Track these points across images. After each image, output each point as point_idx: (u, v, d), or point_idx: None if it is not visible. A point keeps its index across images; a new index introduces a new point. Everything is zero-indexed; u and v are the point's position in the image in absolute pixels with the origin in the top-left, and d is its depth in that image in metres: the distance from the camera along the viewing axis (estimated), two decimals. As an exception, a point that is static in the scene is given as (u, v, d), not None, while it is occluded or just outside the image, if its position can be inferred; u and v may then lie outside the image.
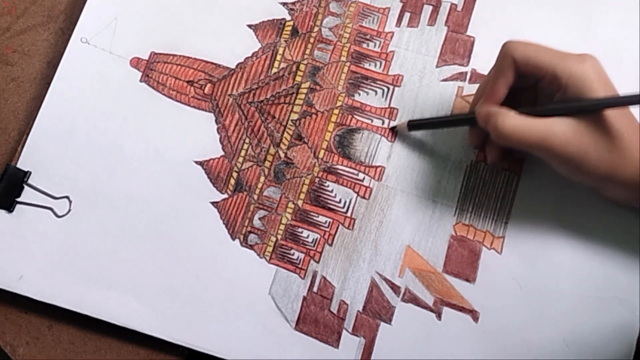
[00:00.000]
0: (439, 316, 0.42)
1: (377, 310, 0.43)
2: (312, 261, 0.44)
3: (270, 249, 0.44)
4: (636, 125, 0.36)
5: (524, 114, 0.37)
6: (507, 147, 0.39)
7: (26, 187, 0.46)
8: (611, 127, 0.35)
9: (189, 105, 0.47)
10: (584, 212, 0.42)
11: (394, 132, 0.45)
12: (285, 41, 0.48)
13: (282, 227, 0.45)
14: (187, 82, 0.48)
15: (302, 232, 0.45)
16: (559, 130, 0.36)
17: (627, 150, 0.35)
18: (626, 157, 0.35)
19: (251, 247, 0.45)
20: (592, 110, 0.35)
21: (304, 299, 0.43)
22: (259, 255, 0.44)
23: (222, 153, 0.46)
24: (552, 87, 0.37)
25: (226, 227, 0.45)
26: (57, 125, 0.47)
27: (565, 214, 0.42)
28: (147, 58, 0.49)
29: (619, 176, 0.36)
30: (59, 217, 0.46)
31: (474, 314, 0.42)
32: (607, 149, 0.35)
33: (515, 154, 0.43)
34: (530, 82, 0.38)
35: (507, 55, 0.38)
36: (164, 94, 0.48)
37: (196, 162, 0.46)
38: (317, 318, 0.43)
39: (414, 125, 0.44)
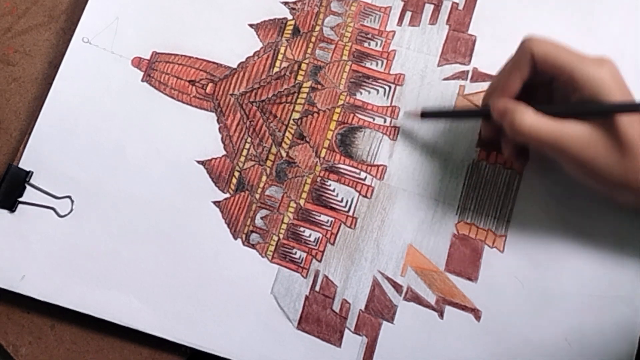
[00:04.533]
0: (441, 315, 0.42)
1: (379, 309, 0.43)
2: (314, 260, 0.44)
3: (272, 248, 0.44)
4: None
5: (540, 112, 0.37)
6: (521, 143, 0.39)
7: (28, 187, 0.46)
8: (625, 134, 0.35)
9: (191, 104, 0.47)
10: (585, 211, 0.42)
11: (405, 116, 0.45)
12: (286, 40, 0.48)
13: (284, 226, 0.45)
14: (189, 81, 0.48)
15: (304, 231, 0.45)
16: (574, 133, 0.35)
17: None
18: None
19: (253, 246, 0.45)
20: (607, 113, 0.35)
21: (306, 298, 0.43)
22: (261, 254, 0.44)
23: (224, 152, 0.46)
24: (567, 88, 0.37)
25: (228, 226, 0.45)
26: (59, 125, 0.47)
27: (567, 213, 0.42)
28: (148, 58, 0.49)
29: (632, 183, 0.35)
30: (61, 216, 0.46)
31: (476, 313, 0.42)
32: (620, 156, 0.35)
33: (524, 153, 0.43)
34: (545, 79, 0.38)
35: (525, 51, 0.37)
36: (165, 94, 0.48)
37: (198, 162, 0.46)
38: (320, 317, 0.43)
39: (426, 114, 0.44)
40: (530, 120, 0.36)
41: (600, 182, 0.37)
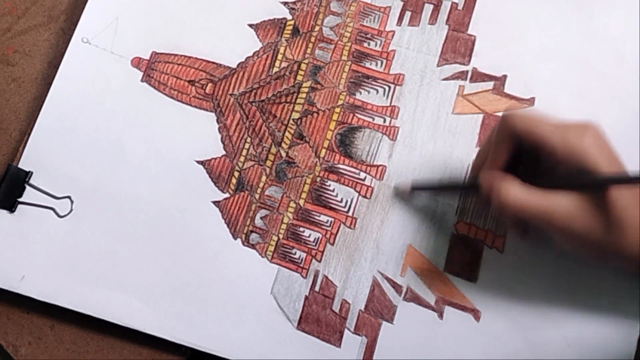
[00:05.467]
0: (440, 315, 0.42)
1: (379, 310, 0.43)
2: (313, 260, 0.44)
3: (272, 248, 0.44)
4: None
5: (527, 184, 0.36)
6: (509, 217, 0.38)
7: (28, 187, 0.46)
8: (615, 204, 0.34)
9: (190, 105, 0.47)
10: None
11: (395, 192, 0.44)
12: (286, 40, 0.48)
13: (283, 226, 0.45)
14: (189, 81, 0.48)
15: (303, 232, 0.45)
16: (562, 206, 0.35)
17: (630, 227, 0.34)
18: (630, 234, 0.34)
19: (253, 246, 0.45)
20: (593, 186, 0.34)
21: (306, 298, 0.43)
22: (260, 254, 0.44)
23: (224, 152, 0.46)
24: (552, 160, 0.36)
25: (228, 226, 0.45)
26: (59, 125, 0.47)
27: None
28: (148, 58, 0.49)
29: (624, 251, 0.35)
30: (61, 217, 0.46)
31: (475, 313, 0.42)
32: (611, 226, 0.34)
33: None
34: (531, 148, 0.37)
35: (506, 127, 0.37)
36: (165, 94, 0.48)
37: (197, 162, 0.46)
38: (319, 317, 0.43)
39: (416, 188, 0.44)
40: (516, 194, 0.36)
41: (590, 251, 0.36)
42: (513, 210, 0.36)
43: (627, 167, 0.35)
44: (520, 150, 0.37)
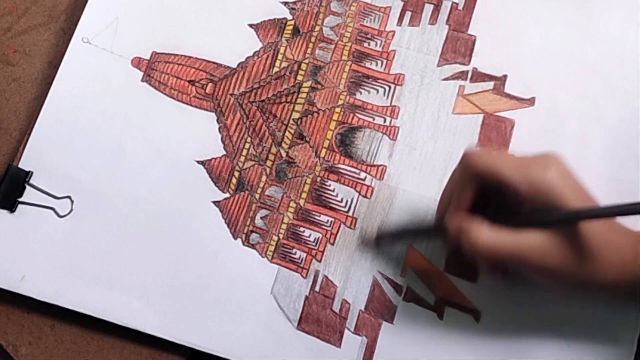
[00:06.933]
0: (440, 315, 0.42)
1: (379, 310, 0.43)
2: (314, 260, 0.44)
3: (272, 248, 0.44)
4: (611, 226, 0.35)
5: (496, 223, 0.35)
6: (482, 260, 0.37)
7: (28, 187, 0.46)
8: (586, 237, 0.33)
9: (191, 104, 0.47)
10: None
11: (361, 241, 0.44)
12: (286, 40, 0.48)
13: (283, 226, 0.45)
14: (189, 81, 0.48)
15: (303, 232, 0.45)
16: (533, 244, 0.34)
17: (603, 257, 0.33)
18: (605, 262, 0.34)
19: (253, 246, 0.45)
20: (564, 222, 0.34)
21: (306, 298, 0.43)
22: (260, 254, 0.44)
23: (224, 152, 0.46)
24: (518, 197, 0.35)
25: (228, 226, 0.45)
26: (59, 125, 0.47)
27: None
28: (148, 58, 0.49)
29: (600, 280, 0.34)
30: (61, 217, 0.46)
31: (475, 314, 0.42)
32: (584, 259, 0.33)
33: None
34: (496, 187, 0.36)
35: (467, 168, 0.36)
36: (165, 94, 0.48)
37: (198, 162, 0.46)
38: (319, 317, 0.43)
39: (382, 238, 0.43)
40: (486, 236, 0.35)
41: (565, 285, 0.36)
42: (484, 253, 0.35)
43: (596, 196, 0.35)
44: (485, 188, 0.36)
